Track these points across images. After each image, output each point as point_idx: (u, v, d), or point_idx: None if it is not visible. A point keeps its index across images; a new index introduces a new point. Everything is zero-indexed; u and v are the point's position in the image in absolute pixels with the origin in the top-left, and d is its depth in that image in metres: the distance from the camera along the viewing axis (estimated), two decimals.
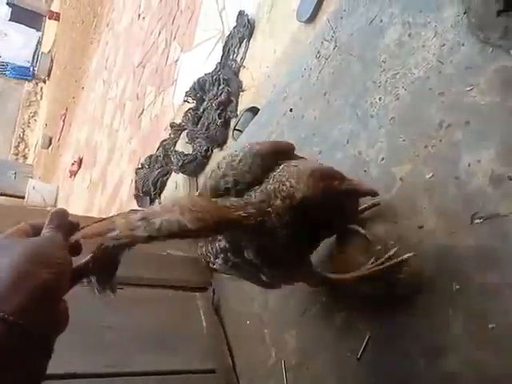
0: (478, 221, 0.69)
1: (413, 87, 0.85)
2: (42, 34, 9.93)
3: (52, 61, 9.20)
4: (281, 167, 0.69)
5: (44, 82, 9.56)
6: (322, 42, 1.10)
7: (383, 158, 0.87)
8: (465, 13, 0.78)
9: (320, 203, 0.65)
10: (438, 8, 0.84)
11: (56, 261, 0.54)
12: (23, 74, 8.79)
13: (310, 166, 0.67)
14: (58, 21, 9.63)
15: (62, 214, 0.61)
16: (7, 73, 8.54)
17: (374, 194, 0.72)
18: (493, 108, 0.72)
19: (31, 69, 8.83)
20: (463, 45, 0.78)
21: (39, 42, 9.67)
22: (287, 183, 0.65)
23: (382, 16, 0.95)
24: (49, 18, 9.77)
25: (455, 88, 0.77)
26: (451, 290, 0.70)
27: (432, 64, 0.83)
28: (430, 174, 0.78)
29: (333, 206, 0.67)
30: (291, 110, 1.16)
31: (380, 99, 0.90)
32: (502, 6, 0.66)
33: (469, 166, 0.72)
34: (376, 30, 0.96)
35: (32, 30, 9.27)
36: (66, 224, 0.61)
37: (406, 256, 0.76)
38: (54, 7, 10.10)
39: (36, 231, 0.60)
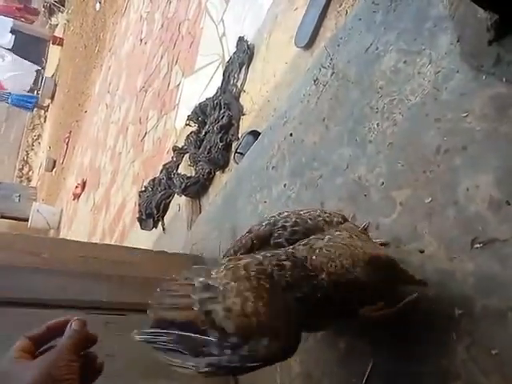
0: (477, 245, 0.69)
1: (409, 113, 0.87)
2: (46, 59, 10.11)
3: (56, 85, 9.34)
4: (326, 238, 0.69)
5: (46, 110, 9.71)
6: (320, 69, 1.12)
7: (383, 183, 0.88)
8: (458, 41, 0.80)
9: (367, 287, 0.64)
10: (432, 36, 0.86)
11: (64, 377, 0.58)
12: (25, 105, 9.01)
13: (368, 250, 0.64)
14: (62, 46, 9.82)
15: (81, 325, 0.65)
16: (9, 101, 8.76)
17: (424, 284, 0.70)
18: (488, 134, 0.73)
19: (33, 99, 9.03)
20: (458, 72, 0.80)
21: (43, 67, 9.84)
22: (338, 262, 0.65)
23: (377, 44, 0.97)
24: (52, 43, 9.96)
25: (451, 114, 0.79)
26: (454, 315, 0.70)
27: (428, 90, 0.84)
28: (429, 199, 0.78)
29: (375, 289, 0.66)
30: (291, 135, 1.18)
31: (378, 125, 0.92)
32: (493, 36, 0.67)
33: (467, 190, 0.73)
34: (372, 57, 0.98)
35: (36, 55, 9.44)
36: (83, 336, 0.65)
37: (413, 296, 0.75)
38: (58, 33, 10.30)
39: (39, 342, 0.63)
